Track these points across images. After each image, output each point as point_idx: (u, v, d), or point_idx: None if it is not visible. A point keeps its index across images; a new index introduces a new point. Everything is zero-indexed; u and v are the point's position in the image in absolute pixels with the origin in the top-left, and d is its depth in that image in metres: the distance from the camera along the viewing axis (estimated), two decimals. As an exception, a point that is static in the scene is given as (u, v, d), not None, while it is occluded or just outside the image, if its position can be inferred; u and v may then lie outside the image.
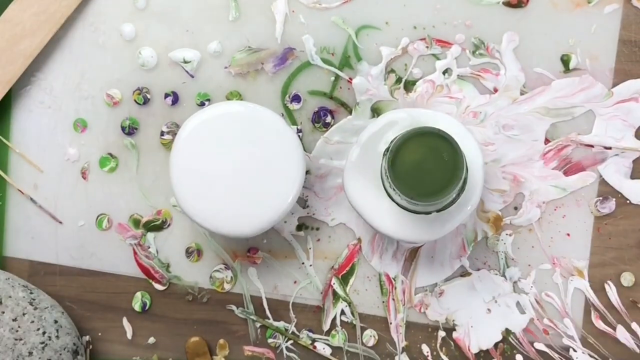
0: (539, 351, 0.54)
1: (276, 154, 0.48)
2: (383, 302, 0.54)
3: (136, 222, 0.54)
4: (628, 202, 0.54)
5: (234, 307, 0.54)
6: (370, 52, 0.54)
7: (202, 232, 0.54)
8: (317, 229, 0.54)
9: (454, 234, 0.54)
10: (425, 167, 0.45)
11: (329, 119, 0.54)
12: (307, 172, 0.54)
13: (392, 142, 0.46)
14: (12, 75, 0.54)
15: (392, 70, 0.54)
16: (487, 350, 0.54)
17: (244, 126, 0.48)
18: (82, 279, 0.55)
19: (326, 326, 0.54)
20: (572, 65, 0.53)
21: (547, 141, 0.54)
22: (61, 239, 0.55)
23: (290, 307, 0.54)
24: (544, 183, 0.54)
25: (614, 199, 0.54)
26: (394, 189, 0.45)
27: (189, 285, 0.55)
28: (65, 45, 0.54)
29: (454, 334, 0.54)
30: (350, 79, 0.54)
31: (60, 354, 0.51)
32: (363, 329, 0.54)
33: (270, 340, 0.54)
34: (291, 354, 0.54)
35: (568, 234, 0.54)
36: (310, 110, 0.54)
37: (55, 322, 0.52)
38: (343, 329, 0.54)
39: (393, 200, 0.48)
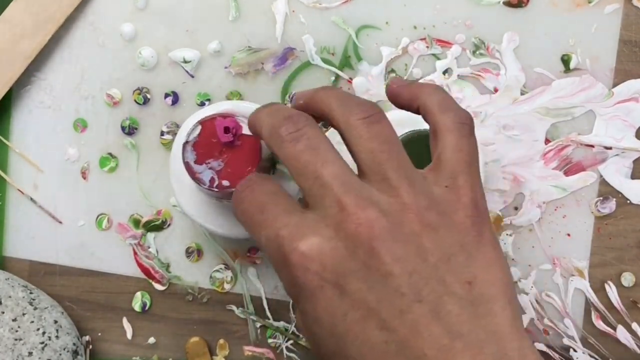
0: (539, 351, 0.54)
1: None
2: (383, 302, 0.54)
3: (136, 222, 0.54)
4: (628, 202, 0.54)
5: (234, 307, 0.54)
6: (370, 52, 0.54)
7: (202, 232, 0.54)
8: (317, 229, 0.54)
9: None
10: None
11: (329, 119, 0.54)
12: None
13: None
14: (12, 75, 0.54)
15: (393, 70, 0.54)
16: (487, 351, 0.54)
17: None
18: (82, 279, 0.55)
19: (326, 326, 0.54)
20: (572, 65, 0.53)
21: (547, 141, 0.54)
22: (61, 239, 0.55)
23: (291, 307, 0.54)
24: (544, 183, 0.54)
25: (614, 199, 0.54)
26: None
27: (189, 285, 0.55)
28: (65, 45, 0.54)
29: (454, 334, 0.54)
30: (351, 79, 0.54)
31: (60, 354, 0.51)
32: (363, 329, 0.54)
33: (270, 340, 0.54)
34: (291, 354, 0.54)
35: (568, 234, 0.54)
36: (311, 110, 0.54)
37: (55, 322, 0.52)
38: (343, 329, 0.54)
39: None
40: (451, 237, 0.34)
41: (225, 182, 0.42)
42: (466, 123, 0.36)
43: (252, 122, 0.40)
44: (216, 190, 0.41)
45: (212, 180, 0.42)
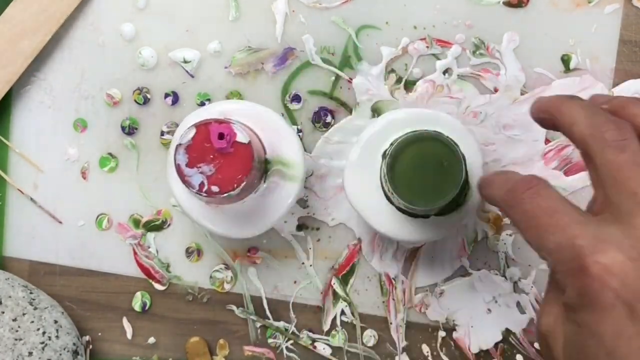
0: (539, 351, 0.54)
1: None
2: (383, 302, 0.54)
3: (136, 222, 0.54)
4: (628, 202, 0.54)
5: (234, 307, 0.54)
6: (370, 52, 0.54)
7: (202, 232, 0.54)
8: (317, 229, 0.54)
9: (454, 234, 0.54)
10: (424, 173, 0.44)
11: (329, 118, 0.54)
12: (311, 175, 0.53)
13: (391, 145, 0.46)
14: (12, 75, 0.54)
15: (393, 70, 0.54)
16: (487, 350, 0.54)
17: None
18: (82, 279, 0.55)
19: (326, 326, 0.54)
20: (572, 65, 0.53)
21: (547, 141, 0.54)
22: (61, 239, 0.55)
23: (291, 307, 0.54)
24: (544, 183, 0.53)
25: (614, 199, 0.53)
26: (392, 193, 0.45)
27: (189, 285, 0.55)
28: (65, 45, 0.54)
29: (454, 334, 0.54)
30: (351, 79, 0.54)
31: (60, 354, 0.51)
32: (363, 329, 0.54)
33: (270, 340, 0.54)
34: (291, 354, 0.54)
35: (568, 234, 0.54)
36: (311, 110, 0.54)
37: (55, 322, 0.52)
38: (343, 329, 0.54)
39: (392, 203, 0.48)
40: None
41: (215, 188, 0.41)
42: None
43: (556, 108, 0.38)
44: (205, 195, 0.41)
45: (201, 184, 0.42)
